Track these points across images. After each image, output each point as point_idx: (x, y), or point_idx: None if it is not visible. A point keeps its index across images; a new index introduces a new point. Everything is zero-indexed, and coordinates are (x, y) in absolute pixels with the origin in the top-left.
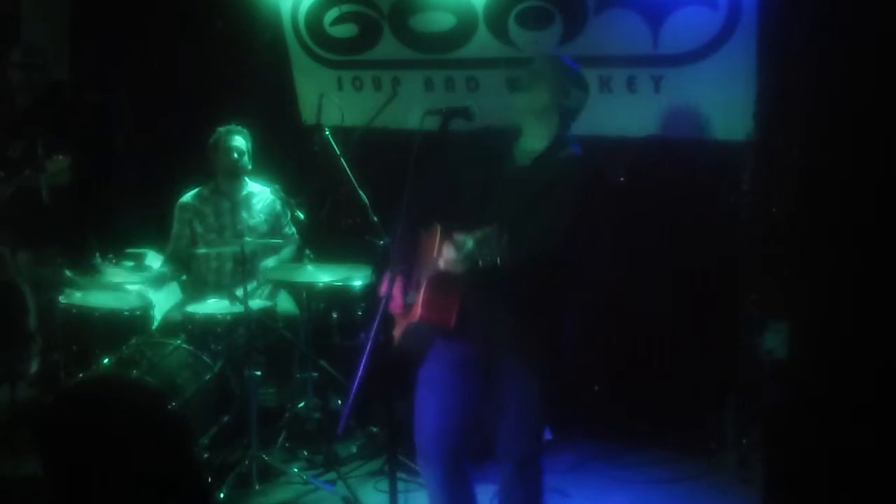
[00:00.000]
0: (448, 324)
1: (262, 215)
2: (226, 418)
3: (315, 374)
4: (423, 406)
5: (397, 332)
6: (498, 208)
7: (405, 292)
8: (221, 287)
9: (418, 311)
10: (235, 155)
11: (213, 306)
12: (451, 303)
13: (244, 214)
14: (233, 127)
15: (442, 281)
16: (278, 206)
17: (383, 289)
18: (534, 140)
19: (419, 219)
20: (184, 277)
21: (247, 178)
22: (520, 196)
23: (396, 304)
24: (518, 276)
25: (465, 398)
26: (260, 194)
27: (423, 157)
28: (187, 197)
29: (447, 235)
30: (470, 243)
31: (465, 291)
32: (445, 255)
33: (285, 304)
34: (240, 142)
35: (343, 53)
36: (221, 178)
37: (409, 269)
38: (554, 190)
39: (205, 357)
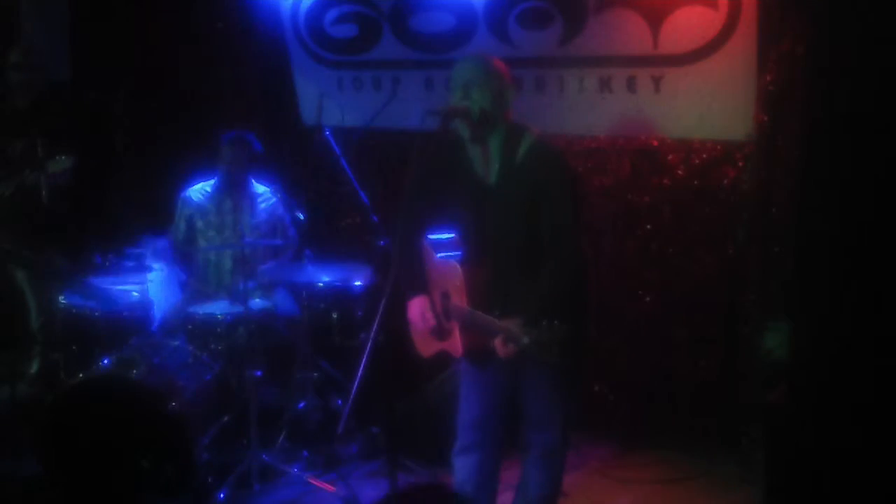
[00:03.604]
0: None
1: (263, 215)
2: (226, 418)
3: (315, 374)
4: (466, 394)
5: (426, 351)
6: (493, 233)
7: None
8: (222, 286)
9: (459, 347)
10: (238, 165)
11: (213, 306)
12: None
13: (246, 215)
14: (238, 137)
15: (483, 325)
16: (280, 209)
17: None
18: (486, 138)
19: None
20: (182, 276)
21: (251, 179)
22: (505, 216)
23: (429, 325)
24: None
25: (504, 391)
26: (263, 195)
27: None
28: (191, 192)
29: (471, 279)
30: (525, 340)
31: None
32: (500, 345)
33: (286, 304)
34: (243, 152)
35: (343, 53)
36: (224, 177)
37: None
38: (542, 197)
39: (205, 357)
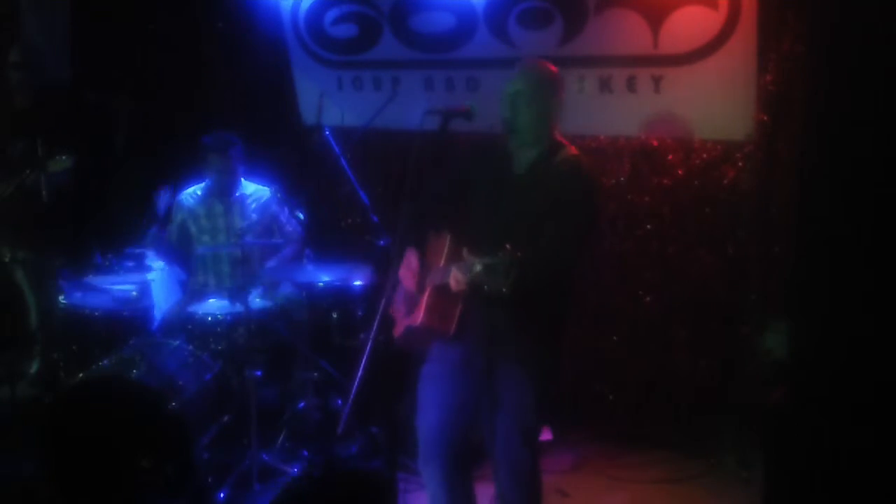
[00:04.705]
0: (448, 330)
1: (255, 215)
2: (226, 418)
3: (315, 374)
4: (424, 403)
5: (397, 331)
6: (502, 220)
7: (407, 299)
8: (221, 288)
9: (420, 315)
10: (226, 171)
11: (213, 306)
12: (453, 311)
13: (237, 217)
14: (223, 142)
15: (446, 289)
16: (274, 206)
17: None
18: (528, 147)
19: (425, 223)
20: (182, 277)
21: (242, 179)
22: (521, 205)
23: (411, 277)
24: (522, 290)
25: (464, 397)
26: (254, 194)
27: (428, 161)
28: (184, 195)
29: (456, 245)
30: (478, 268)
31: (467, 300)
32: (454, 275)
33: (291, 294)
34: (230, 156)
35: (343, 53)
36: (213, 181)
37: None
38: (558, 200)
39: (205, 357)
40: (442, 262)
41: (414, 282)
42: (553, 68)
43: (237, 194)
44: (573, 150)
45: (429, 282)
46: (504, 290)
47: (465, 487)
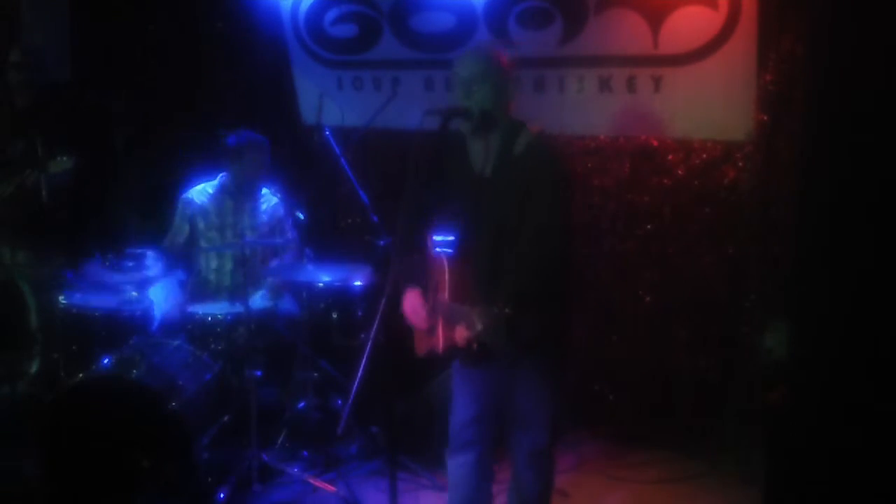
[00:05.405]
0: (471, 349)
1: (264, 217)
2: (226, 418)
3: (315, 374)
4: (455, 396)
5: (420, 348)
6: (487, 229)
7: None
8: (222, 287)
9: (440, 344)
10: (255, 170)
11: (213, 306)
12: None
13: (247, 216)
14: (255, 140)
15: (457, 315)
16: (281, 211)
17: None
18: (488, 133)
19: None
20: (182, 277)
21: (261, 184)
22: (499, 209)
23: (420, 319)
24: (524, 295)
25: (489, 391)
26: (265, 197)
27: (426, 161)
28: (192, 192)
29: (454, 269)
30: (479, 327)
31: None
32: (459, 333)
33: (288, 305)
34: (262, 157)
35: (343, 53)
36: (234, 180)
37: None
38: (534, 195)
39: (205, 357)
40: (446, 293)
41: (424, 319)
42: (501, 52)
43: (252, 195)
44: (533, 129)
45: (439, 310)
46: (505, 349)
47: (489, 479)
